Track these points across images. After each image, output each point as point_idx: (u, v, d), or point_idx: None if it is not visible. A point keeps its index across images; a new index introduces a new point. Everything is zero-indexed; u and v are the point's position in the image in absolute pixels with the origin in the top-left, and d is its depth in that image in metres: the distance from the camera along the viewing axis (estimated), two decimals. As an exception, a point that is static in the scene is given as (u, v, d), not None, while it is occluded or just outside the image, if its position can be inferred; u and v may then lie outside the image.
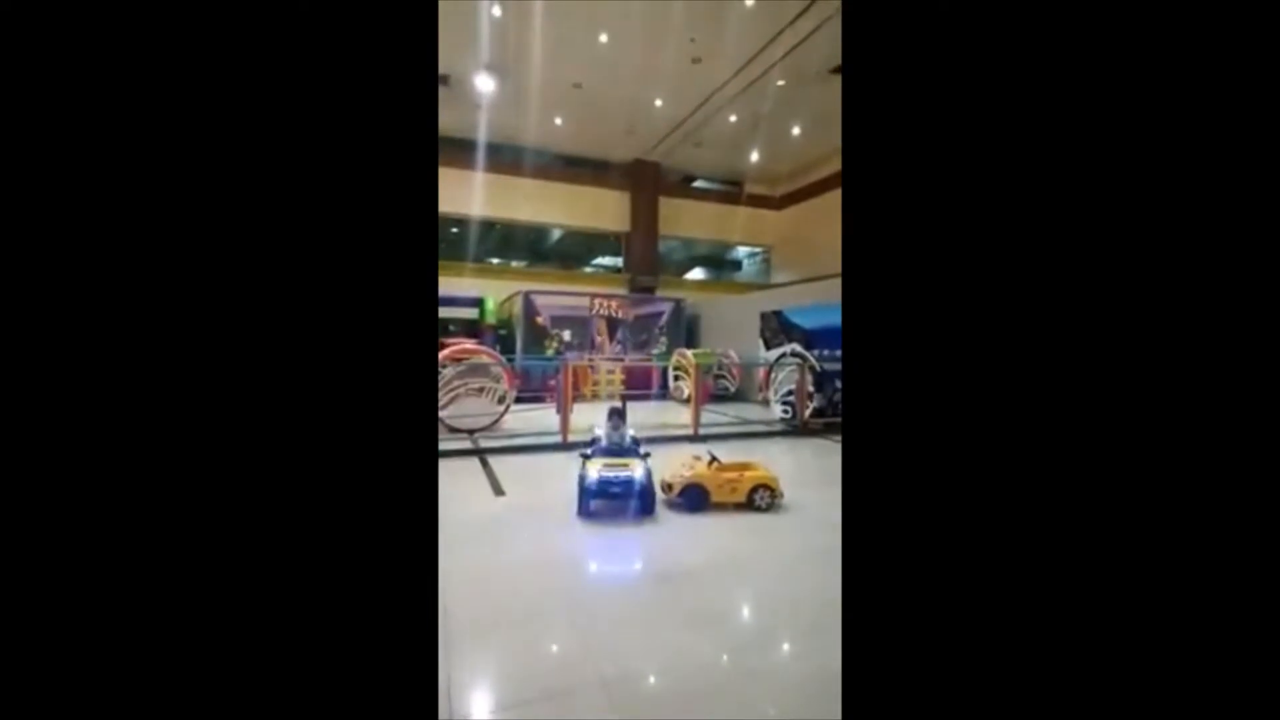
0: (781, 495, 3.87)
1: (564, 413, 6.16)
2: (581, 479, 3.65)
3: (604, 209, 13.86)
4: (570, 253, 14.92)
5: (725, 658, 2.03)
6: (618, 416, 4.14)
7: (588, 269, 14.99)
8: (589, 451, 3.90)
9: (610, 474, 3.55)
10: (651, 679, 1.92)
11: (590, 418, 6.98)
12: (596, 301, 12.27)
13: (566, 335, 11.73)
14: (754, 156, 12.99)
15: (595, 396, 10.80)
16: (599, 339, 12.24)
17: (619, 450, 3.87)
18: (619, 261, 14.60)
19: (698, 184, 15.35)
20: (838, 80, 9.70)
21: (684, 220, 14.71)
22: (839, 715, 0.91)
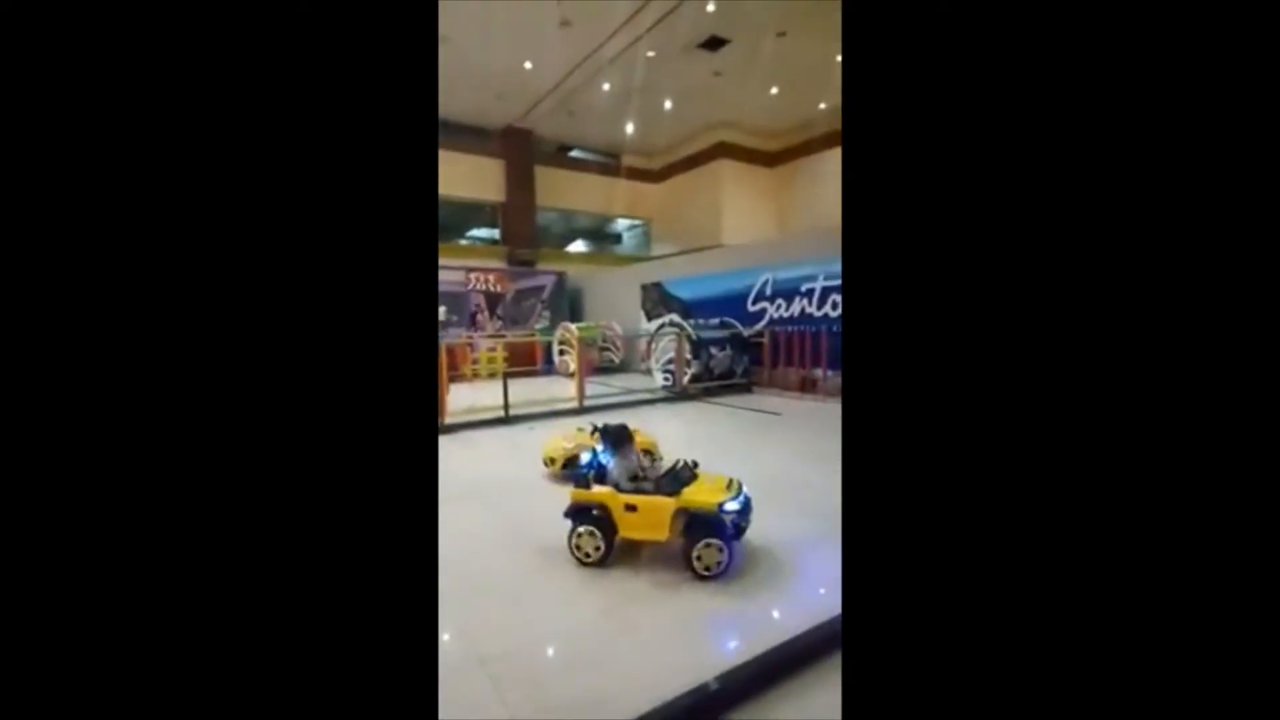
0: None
1: (440, 395, 5.88)
2: (716, 521, 2.43)
3: (477, 177, 13.14)
4: (443, 223, 14.02)
5: (612, 603, 2.13)
6: (626, 441, 2.85)
7: (463, 241, 14.22)
8: (653, 483, 2.69)
9: (739, 501, 2.56)
10: (550, 651, 1.96)
11: (470, 398, 6.76)
12: (473, 276, 11.73)
13: (441, 312, 11.11)
14: (629, 128, 13.00)
15: (476, 376, 10.43)
16: (479, 315, 11.76)
17: (683, 474, 2.71)
18: (496, 234, 14.02)
19: (575, 154, 15.09)
20: (706, 55, 9.96)
21: (563, 192, 14.42)
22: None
